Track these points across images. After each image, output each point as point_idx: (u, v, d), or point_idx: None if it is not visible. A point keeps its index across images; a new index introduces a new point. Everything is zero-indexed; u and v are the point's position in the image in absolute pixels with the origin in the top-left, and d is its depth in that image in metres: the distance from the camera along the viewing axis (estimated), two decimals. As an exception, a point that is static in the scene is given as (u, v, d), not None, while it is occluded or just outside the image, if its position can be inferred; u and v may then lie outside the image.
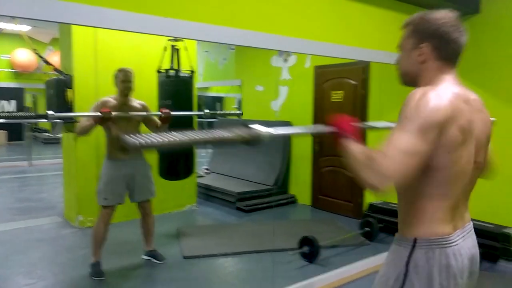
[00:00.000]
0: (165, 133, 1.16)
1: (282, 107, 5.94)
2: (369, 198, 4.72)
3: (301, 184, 5.69)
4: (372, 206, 4.53)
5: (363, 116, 4.80)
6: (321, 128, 1.32)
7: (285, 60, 5.78)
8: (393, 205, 4.33)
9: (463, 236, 1.24)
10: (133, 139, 1.08)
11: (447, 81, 1.21)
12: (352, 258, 3.54)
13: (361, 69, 4.83)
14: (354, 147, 1.17)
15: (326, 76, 5.27)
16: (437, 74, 1.22)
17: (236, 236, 4.31)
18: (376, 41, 3.37)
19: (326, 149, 5.25)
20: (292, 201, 5.74)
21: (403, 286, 1.20)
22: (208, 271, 3.49)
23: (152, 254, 3.53)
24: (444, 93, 1.14)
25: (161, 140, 1.13)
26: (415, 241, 1.20)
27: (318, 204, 5.48)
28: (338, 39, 3.10)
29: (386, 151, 1.06)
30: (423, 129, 1.07)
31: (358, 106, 4.87)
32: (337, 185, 5.19)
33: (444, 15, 1.22)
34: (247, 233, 4.41)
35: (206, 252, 3.78)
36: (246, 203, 5.28)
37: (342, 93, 5.09)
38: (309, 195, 5.58)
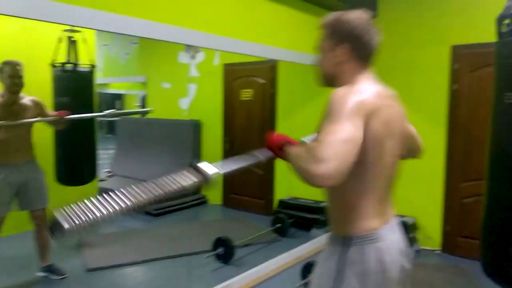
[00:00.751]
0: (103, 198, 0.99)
1: (191, 106, 5.78)
2: (279, 194, 4.83)
3: (211, 184, 5.59)
4: (281, 203, 4.63)
5: (272, 115, 4.89)
6: (266, 153, 1.33)
7: (193, 57, 5.63)
8: (301, 200, 4.48)
9: (392, 231, 1.28)
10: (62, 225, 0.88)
11: (365, 80, 1.25)
12: (266, 255, 3.57)
13: (270, 68, 4.90)
14: (293, 150, 1.19)
15: (236, 74, 5.25)
16: (355, 74, 1.25)
17: (145, 242, 4.07)
18: (284, 40, 3.39)
19: (236, 147, 5.23)
20: (203, 201, 5.63)
21: (341, 285, 1.20)
22: (115, 283, 3.22)
23: (50, 269, 3.14)
24: (364, 90, 1.18)
25: (100, 214, 0.95)
26: (349, 238, 1.21)
27: (229, 203, 5.45)
28: (248, 36, 3.04)
29: (323, 140, 1.06)
30: (351, 117, 1.09)
31: (267, 105, 4.95)
32: (248, 183, 5.21)
33: (358, 16, 1.25)
34: (157, 238, 4.19)
35: (112, 262, 3.48)
36: (154, 206, 5.02)
37: (251, 92, 5.11)
38: (220, 195, 5.52)
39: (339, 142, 1.05)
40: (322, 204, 4.33)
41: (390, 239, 1.25)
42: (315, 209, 4.30)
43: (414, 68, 3.95)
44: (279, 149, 1.28)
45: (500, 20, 1.49)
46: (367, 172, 1.18)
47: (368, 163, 1.17)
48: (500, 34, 1.49)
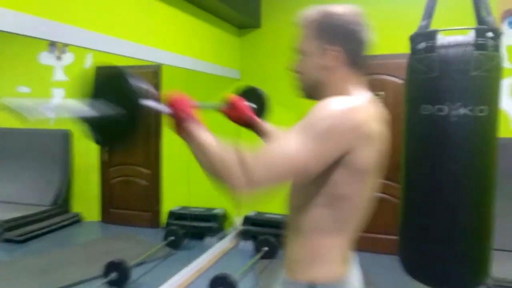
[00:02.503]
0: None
1: (57, 113, 5.08)
2: (167, 205, 4.60)
3: (88, 200, 5.03)
4: (172, 214, 4.42)
5: (157, 122, 4.63)
6: (159, 106, 1.04)
7: (59, 58, 4.97)
8: (192, 209, 4.35)
9: (355, 273, 1.11)
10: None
11: (361, 93, 1.03)
12: (164, 272, 3.35)
13: (152, 73, 4.63)
14: (205, 136, 0.98)
15: (112, 79, 4.81)
16: (347, 83, 1.03)
17: (10, 277, 3.41)
18: (168, 42, 3.12)
19: (116, 158, 4.82)
20: (77, 220, 5.01)
21: None
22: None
23: None
24: (357, 108, 0.96)
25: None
26: (311, 286, 1.02)
27: (110, 218, 4.97)
28: (125, 34, 2.62)
29: (266, 147, 0.92)
30: (323, 143, 0.90)
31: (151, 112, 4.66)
32: (130, 196, 4.84)
33: (351, 12, 1.03)
34: (26, 270, 3.55)
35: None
36: (18, 232, 4.26)
37: (131, 98, 4.75)
38: (98, 210, 4.99)
39: (280, 158, 0.88)
40: (214, 212, 4.28)
41: (355, 281, 1.09)
42: (208, 217, 4.23)
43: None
44: (183, 120, 1.01)
45: (415, 37, 1.65)
46: (343, 207, 0.98)
47: (347, 198, 0.98)
48: (415, 50, 1.65)
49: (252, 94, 1.53)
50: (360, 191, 0.99)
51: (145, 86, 1.02)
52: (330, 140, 0.91)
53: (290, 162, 0.89)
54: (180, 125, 1.02)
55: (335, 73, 1.03)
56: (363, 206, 1.03)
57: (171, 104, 1.04)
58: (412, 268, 1.76)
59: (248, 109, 1.43)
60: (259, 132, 1.43)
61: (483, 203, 1.61)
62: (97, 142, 1.09)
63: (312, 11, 1.06)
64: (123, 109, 1.00)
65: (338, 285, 1.02)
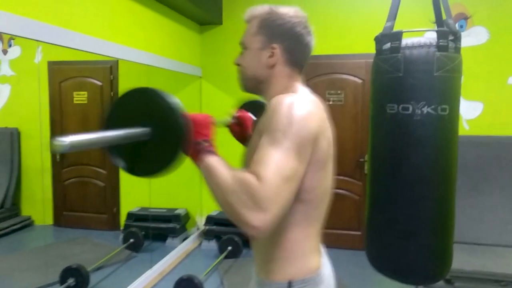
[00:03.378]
0: None
1: (3, 110, 4.76)
2: (126, 206, 4.45)
3: (38, 202, 4.75)
4: (131, 215, 4.28)
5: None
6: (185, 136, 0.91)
7: (5, 51, 4.65)
8: (152, 210, 4.23)
9: (327, 263, 1.13)
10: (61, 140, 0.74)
11: (304, 89, 1.07)
12: (125, 276, 3.25)
13: (108, 69, 4.45)
14: (219, 167, 0.90)
15: (66, 74, 4.58)
16: (289, 81, 1.07)
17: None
18: (124, 36, 2.96)
19: (69, 159, 4.59)
20: (28, 224, 4.72)
21: None
22: None
23: None
24: (310, 102, 1.01)
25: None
26: (289, 285, 1.01)
27: (63, 222, 4.72)
28: (79, 26, 2.45)
29: (264, 175, 0.84)
30: (300, 147, 0.91)
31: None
32: (85, 197, 4.64)
33: (296, 13, 1.07)
34: (-27, 280, 3.31)
35: None
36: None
37: (86, 94, 4.55)
38: (50, 213, 4.73)
39: (283, 181, 0.86)
40: (176, 212, 4.20)
41: (329, 274, 1.10)
42: (168, 217, 4.14)
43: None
44: (199, 147, 0.93)
45: (381, 38, 1.69)
46: (307, 199, 0.99)
47: (310, 189, 0.98)
48: (380, 51, 1.69)
49: (254, 106, 1.47)
50: (323, 181, 1.02)
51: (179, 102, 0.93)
52: (307, 143, 0.93)
53: (291, 183, 0.88)
54: (198, 152, 0.93)
55: (274, 69, 1.07)
56: (326, 196, 1.07)
57: (193, 124, 0.93)
58: (378, 262, 1.81)
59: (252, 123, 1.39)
60: None
61: (445, 197, 1.68)
62: (142, 172, 0.97)
63: (257, 8, 1.10)
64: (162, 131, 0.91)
65: (315, 278, 1.03)
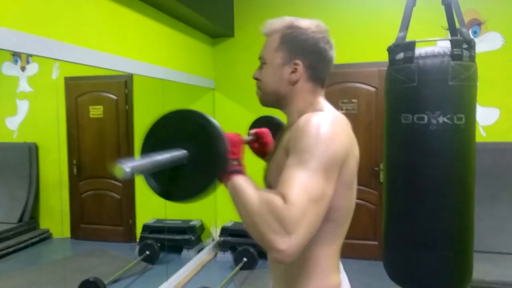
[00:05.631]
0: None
1: (22, 125, 4.87)
2: (142, 218, 4.48)
3: (56, 215, 4.83)
4: (147, 227, 4.31)
5: (129, 134, 4.52)
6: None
7: (23, 68, 4.77)
8: (168, 222, 4.25)
9: (346, 279, 1.11)
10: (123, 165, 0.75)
11: (329, 106, 1.04)
12: (142, 288, 3.26)
13: (123, 83, 4.53)
14: (246, 187, 0.88)
15: (82, 89, 4.67)
16: (313, 97, 1.05)
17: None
18: (137, 51, 3.02)
19: (86, 172, 4.66)
20: (46, 237, 4.79)
21: None
22: None
23: None
24: (338, 121, 0.98)
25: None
26: None
27: (80, 234, 4.78)
28: (94, 44, 2.51)
29: (290, 196, 0.82)
30: (328, 167, 0.88)
31: (122, 123, 4.55)
32: (102, 210, 4.69)
33: (318, 28, 1.04)
34: (-6, 294, 3.37)
35: None
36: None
37: (101, 109, 4.63)
38: (68, 226, 4.80)
39: (310, 202, 0.83)
40: (191, 223, 4.21)
41: None
42: (184, 229, 4.15)
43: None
44: (231, 169, 0.91)
45: (393, 48, 1.69)
46: (333, 217, 0.97)
47: (337, 208, 0.96)
48: (394, 61, 1.69)
49: (268, 122, 1.46)
50: (349, 201, 1.01)
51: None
52: (334, 164, 0.91)
53: (319, 204, 0.86)
54: (227, 171, 0.91)
55: (296, 85, 1.04)
56: (351, 213, 1.04)
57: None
58: (396, 273, 1.79)
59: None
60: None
61: (463, 209, 1.65)
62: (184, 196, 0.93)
63: (277, 21, 1.05)
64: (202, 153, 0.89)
65: None
